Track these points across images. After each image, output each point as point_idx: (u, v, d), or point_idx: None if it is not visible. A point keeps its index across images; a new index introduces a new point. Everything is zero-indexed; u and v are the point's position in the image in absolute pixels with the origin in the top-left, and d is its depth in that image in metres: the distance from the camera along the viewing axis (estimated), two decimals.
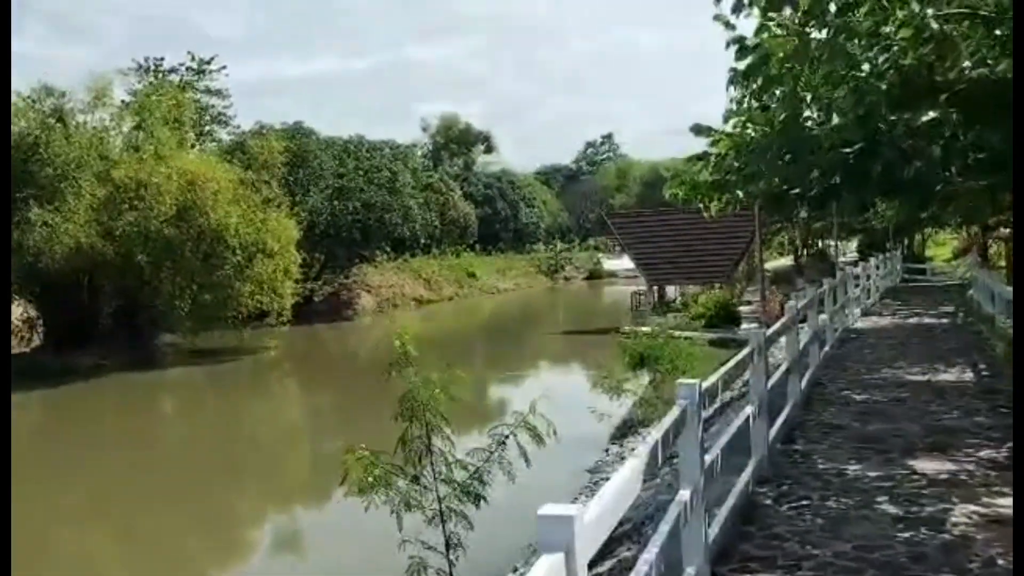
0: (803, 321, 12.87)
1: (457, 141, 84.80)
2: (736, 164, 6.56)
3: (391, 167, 57.50)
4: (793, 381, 9.45)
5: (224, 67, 49.54)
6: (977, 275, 17.35)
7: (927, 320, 18.73)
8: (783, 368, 9.22)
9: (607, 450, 13.34)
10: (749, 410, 6.77)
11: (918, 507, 6.06)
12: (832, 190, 6.29)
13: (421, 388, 5.69)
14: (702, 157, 6.62)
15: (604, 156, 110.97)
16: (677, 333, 40.15)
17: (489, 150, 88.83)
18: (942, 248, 52.56)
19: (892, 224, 34.13)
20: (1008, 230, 34.06)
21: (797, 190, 6.36)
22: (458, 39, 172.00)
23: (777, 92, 5.96)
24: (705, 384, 5.17)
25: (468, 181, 79.98)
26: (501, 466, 5.82)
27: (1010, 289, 11.85)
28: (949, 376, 11.44)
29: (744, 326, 28.18)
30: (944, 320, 18.50)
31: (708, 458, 5.15)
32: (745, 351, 6.87)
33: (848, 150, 5.86)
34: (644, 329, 38.52)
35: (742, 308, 42.00)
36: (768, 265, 63.03)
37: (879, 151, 5.64)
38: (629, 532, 7.25)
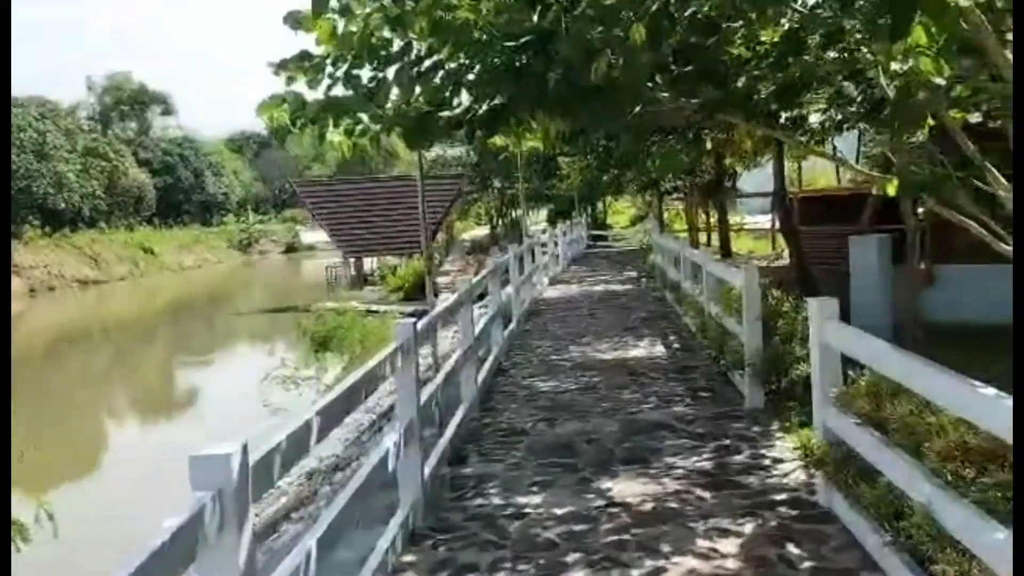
0: (483, 296, 11.17)
1: (129, 102, 75.55)
2: (357, 74, 4.27)
3: (38, 127, 49.36)
4: (468, 374, 7.49)
5: None
6: (659, 241, 16.89)
7: (614, 287, 18.13)
8: (455, 358, 7.21)
9: None
10: (390, 442, 4.57)
11: (620, 571, 4.23)
12: (500, 110, 4.27)
13: None
14: (304, 59, 4.23)
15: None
16: (375, 308, 38.12)
17: (168, 112, 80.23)
18: (621, 215, 55.51)
19: (578, 190, 34.56)
20: (679, 200, 35.97)
21: (447, 112, 4.25)
22: None
23: None
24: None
25: (144, 147, 71.88)
26: None
27: (697, 253, 10.95)
28: (640, 351, 10.22)
29: (443, 296, 26.73)
30: (629, 286, 17.99)
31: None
32: (385, 352, 4.65)
33: (514, 44, 3.86)
34: (330, 306, 36.00)
35: (441, 279, 40.98)
36: (466, 235, 63.34)
37: (554, 47, 3.70)
38: None
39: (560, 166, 29.90)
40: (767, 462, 5.77)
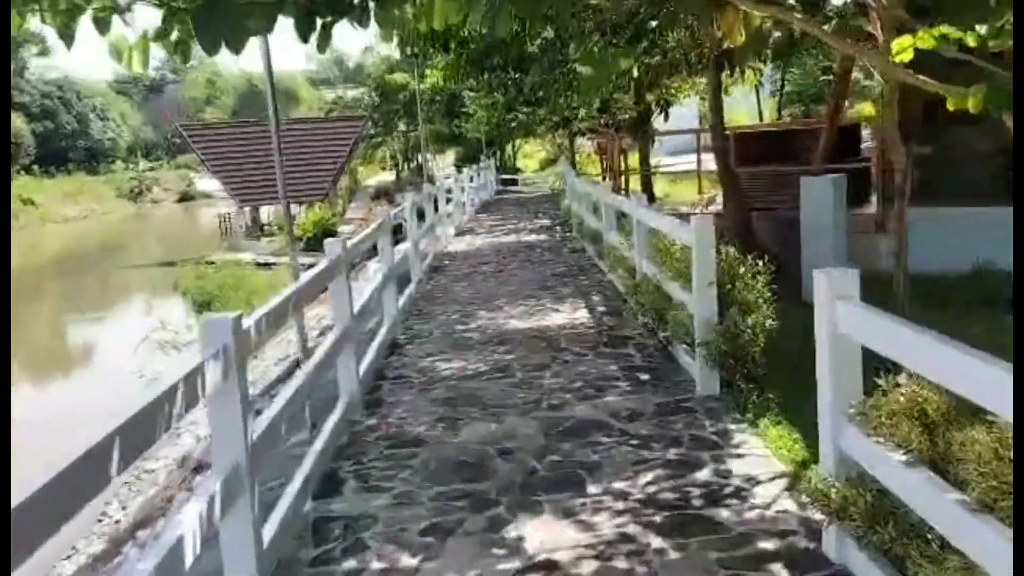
0: (375, 254, 9.43)
1: None
2: None
3: None
4: (347, 361, 5.82)
5: None
6: (576, 185, 15.34)
7: (527, 237, 16.55)
8: (327, 344, 5.51)
9: None
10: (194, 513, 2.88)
11: None
12: None
13: None
14: None
15: (190, 64, 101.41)
16: (272, 260, 35.68)
17: (45, 53, 74.15)
18: (530, 159, 53.87)
19: (486, 133, 32.73)
20: (593, 140, 34.48)
21: None
22: None
23: None
24: None
25: (19, 90, 66.59)
26: None
27: (624, 201, 9.43)
28: (561, 317, 8.70)
29: (366, 231, 24.70)
30: (543, 236, 16.43)
31: None
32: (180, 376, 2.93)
33: None
34: (224, 258, 33.49)
35: (344, 228, 38.77)
36: (370, 181, 60.75)
37: None
38: None
39: (465, 104, 27.95)
40: (739, 480, 4.34)
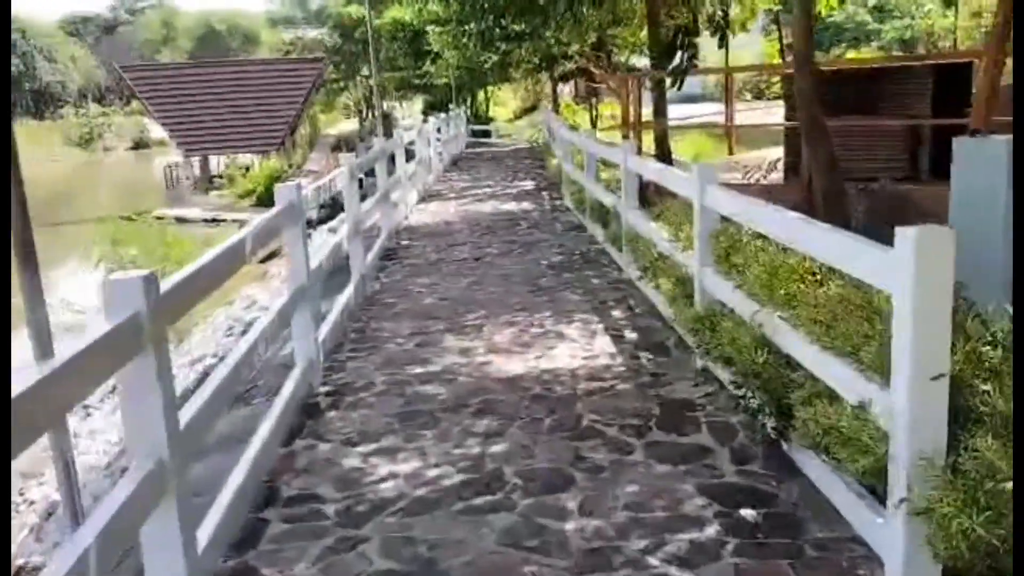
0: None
1: None
2: None
3: None
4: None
5: None
6: (573, 141, 12.16)
7: (507, 205, 13.35)
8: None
9: None
10: None
11: None
12: None
13: None
14: None
15: (147, 4, 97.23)
16: (221, 216, 32.14)
17: None
18: (503, 108, 50.20)
19: (455, 78, 29.29)
20: (584, 85, 31.15)
21: None
22: None
23: None
24: None
25: None
26: None
27: (666, 174, 6.34)
28: (572, 351, 5.65)
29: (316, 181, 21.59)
30: (528, 205, 13.25)
31: None
32: None
33: None
34: (159, 214, 30.02)
35: (303, 180, 35.44)
36: (332, 130, 56.88)
37: None
38: None
39: (430, 43, 24.45)
40: None
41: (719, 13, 6.01)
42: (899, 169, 7.48)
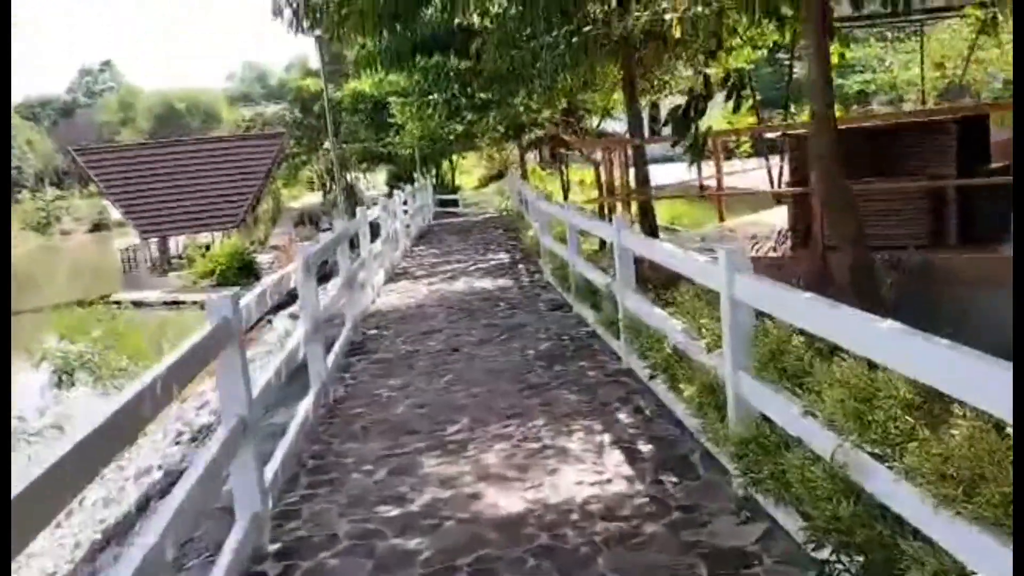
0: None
1: None
2: None
3: None
4: None
5: None
6: (545, 209, 11.35)
7: (482, 283, 12.41)
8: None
9: None
10: None
11: None
12: None
13: None
14: None
15: (105, 86, 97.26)
16: (181, 298, 30.87)
17: None
18: (468, 176, 49.77)
19: (419, 147, 28.65)
20: (535, 156, 30.68)
21: None
22: None
23: None
24: None
25: None
26: None
27: (636, 239, 5.48)
28: (580, 471, 4.66)
29: (265, 280, 20.73)
30: (504, 281, 12.32)
31: None
32: None
33: None
34: (117, 299, 28.90)
35: (263, 257, 34.32)
36: (296, 203, 56.01)
37: None
38: None
39: (392, 113, 23.81)
40: None
41: (734, 75, 5.28)
42: (923, 235, 6.71)
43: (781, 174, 17.52)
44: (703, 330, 4.62)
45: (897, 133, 7.21)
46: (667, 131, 5.93)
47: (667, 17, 6.89)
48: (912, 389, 2.82)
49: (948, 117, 7.13)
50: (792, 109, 19.72)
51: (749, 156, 21.64)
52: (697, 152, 5.45)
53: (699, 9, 5.76)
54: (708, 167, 19.64)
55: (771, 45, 12.26)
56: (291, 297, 10.60)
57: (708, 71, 6.41)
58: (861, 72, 28.85)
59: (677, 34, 5.66)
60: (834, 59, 7.26)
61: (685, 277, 5.27)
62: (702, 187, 17.90)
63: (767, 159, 17.13)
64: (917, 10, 14.06)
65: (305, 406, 5.91)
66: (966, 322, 6.15)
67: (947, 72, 24.39)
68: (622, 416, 5.62)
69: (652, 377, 5.58)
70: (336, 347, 7.76)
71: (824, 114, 5.55)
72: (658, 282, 7.40)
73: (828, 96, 5.61)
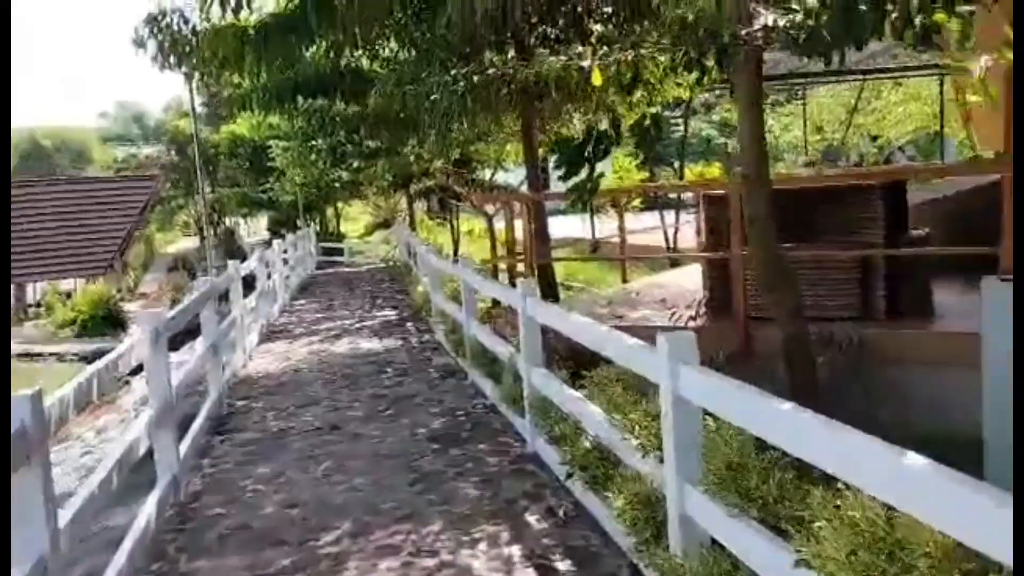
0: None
1: None
2: None
3: None
4: None
5: None
6: (440, 267, 10.57)
7: (367, 344, 11.41)
8: None
9: None
10: None
11: None
12: None
13: None
14: None
15: None
16: (40, 350, 28.29)
17: None
18: (354, 224, 48.49)
19: (303, 194, 27.45)
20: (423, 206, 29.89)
21: None
22: None
23: None
24: None
25: None
26: None
27: (550, 312, 4.78)
28: None
29: (133, 329, 19.09)
30: (393, 342, 11.36)
31: None
32: None
33: None
34: None
35: (133, 305, 32.00)
36: (171, 248, 53.21)
37: None
38: None
39: (272, 158, 22.63)
40: None
41: (649, 115, 4.71)
42: (851, 307, 6.27)
43: (676, 233, 17.39)
44: (636, 427, 3.88)
45: (823, 196, 6.82)
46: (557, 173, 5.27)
47: (584, 64, 6.36)
48: (946, 540, 2.13)
49: (876, 181, 6.78)
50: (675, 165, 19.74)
51: (641, 210, 21.53)
52: (588, 197, 4.75)
53: (619, 55, 5.20)
54: (600, 222, 19.37)
55: (667, 102, 11.95)
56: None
57: (619, 112, 5.89)
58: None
59: (597, 81, 5.07)
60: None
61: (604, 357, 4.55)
62: (595, 245, 17.56)
63: (662, 217, 16.96)
64: (867, 69, 14.39)
65: (148, 510, 4.83)
66: (901, 404, 5.71)
67: (826, 135, 25.26)
68: (532, 519, 4.80)
69: (569, 476, 4.79)
70: (195, 425, 6.65)
71: (758, 174, 5.02)
72: (566, 353, 6.71)
73: (763, 155, 5.09)
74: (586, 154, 4.88)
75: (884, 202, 6.59)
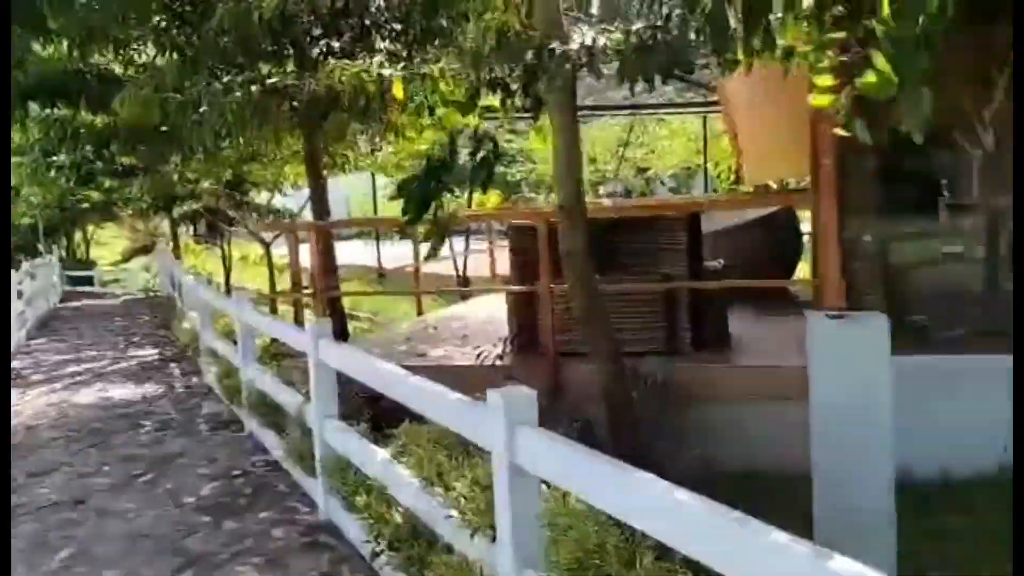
0: None
1: None
2: None
3: None
4: None
5: None
6: (209, 300, 9.43)
7: (122, 391, 9.88)
8: None
9: None
10: None
11: None
12: None
13: None
14: None
15: None
16: None
17: None
18: (108, 250, 44.21)
19: (43, 218, 24.45)
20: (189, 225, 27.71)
21: None
22: None
23: None
24: None
25: None
26: None
27: (347, 358, 4.14)
28: None
29: None
30: (152, 388, 9.92)
31: None
32: None
33: None
34: None
35: None
36: None
37: None
38: None
39: None
40: None
41: (485, 138, 4.16)
42: (656, 340, 6.06)
43: (466, 262, 17.06)
44: (461, 500, 3.27)
45: (629, 227, 6.62)
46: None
47: (386, 72, 5.72)
48: None
49: (679, 213, 6.66)
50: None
51: (406, 237, 21.03)
52: (441, 235, 4.25)
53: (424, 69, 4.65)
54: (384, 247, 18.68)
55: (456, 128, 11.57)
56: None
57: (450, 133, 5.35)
58: (522, 164, 30.05)
59: (399, 94, 4.48)
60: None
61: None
62: (381, 272, 16.86)
63: (451, 245, 16.54)
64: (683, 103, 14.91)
65: None
66: (713, 442, 5.54)
67: (599, 166, 26.19)
68: None
69: (376, 555, 4.06)
70: None
71: (574, 206, 4.63)
72: (364, 396, 5.96)
73: (578, 185, 4.72)
74: (428, 191, 4.40)
75: (688, 233, 6.50)
